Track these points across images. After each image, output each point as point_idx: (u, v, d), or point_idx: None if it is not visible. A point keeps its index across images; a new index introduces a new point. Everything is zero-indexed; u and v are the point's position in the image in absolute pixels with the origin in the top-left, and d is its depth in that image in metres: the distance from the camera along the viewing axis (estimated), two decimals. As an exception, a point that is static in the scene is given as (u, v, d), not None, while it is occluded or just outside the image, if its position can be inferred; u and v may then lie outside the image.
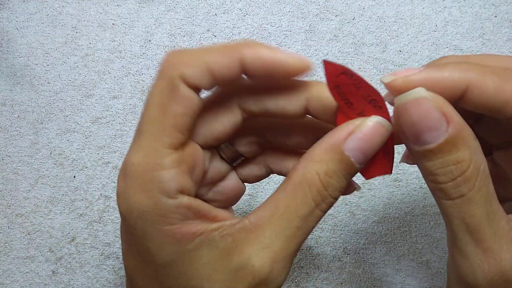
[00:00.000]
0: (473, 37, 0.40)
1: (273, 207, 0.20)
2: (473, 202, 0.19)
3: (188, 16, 0.40)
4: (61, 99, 0.39)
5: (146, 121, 0.20)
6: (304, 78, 0.21)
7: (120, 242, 0.38)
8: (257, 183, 0.38)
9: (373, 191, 0.38)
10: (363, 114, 0.20)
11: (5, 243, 0.37)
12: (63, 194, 0.38)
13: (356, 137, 0.20)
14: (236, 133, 0.24)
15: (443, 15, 0.41)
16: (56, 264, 0.37)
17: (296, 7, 0.41)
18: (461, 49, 0.40)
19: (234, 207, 0.38)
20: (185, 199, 0.20)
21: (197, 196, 0.23)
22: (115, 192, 0.38)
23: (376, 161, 0.21)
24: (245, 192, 0.38)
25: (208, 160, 0.23)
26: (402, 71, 0.20)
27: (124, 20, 0.40)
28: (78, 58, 0.39)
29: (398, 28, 0.40)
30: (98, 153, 0.38)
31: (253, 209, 0.31)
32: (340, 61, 0.40)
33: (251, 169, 0.26)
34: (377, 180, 0.38)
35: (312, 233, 0.38)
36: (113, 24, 0.40)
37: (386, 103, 0.21)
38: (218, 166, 0.24)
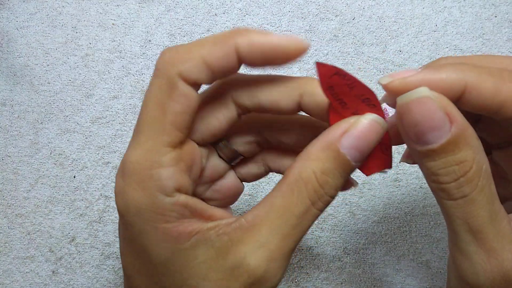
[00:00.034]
0: (473, 37, 0.40)
1: (269, 206, 0.20)
2: (475, 203, 0.19)
3: (188, 16, 0.40)
4: (61, 99, 0.39)
5: (144, 120, 0.20)
6: (299, 75, 0.21)
7: (120, 242, 0.38)
8: (257, 183, 0.38)
9: (373, 191, 0.38)
10: (357, 113, 0.20)
11: (5, 243, 0.37)
12: (63, 194, 0.38)
13: (352, 134, 0.20)
14: (234, 132, 0.24)
15: (443, 15, 0.41)
16: (56, 264, 0.37)
17: (296, 7, 0.41)
18: (461, 49, 0.40)
19: (234, 207, 0.38)
20: (182, 197, 0.20)
21: (195, 195, 0.23)
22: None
23: (375, 157, 0.21)
24: (245, 192, 0.38)
25: (205, 157, 0.23)
26: (399, 72, 0.20)
27: (124, 20, 0.40)
28: (78, 58, 0.39)
29: (398, 28, 0.40)
30: (98, 153, 0.38)
31: (253, 209, 0.31)
32: (340, 61, 0.40)
33: (249, 168, 0.26)
34: (377, 180, 0.38)
35: (312, 233, 0.38)
36: (113, 24, 0.40)
37: (385, 104, 0.21)
38: (216, 164, 0.24)
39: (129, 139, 0.39)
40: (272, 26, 0.40)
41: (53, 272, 0.37)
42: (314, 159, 0.20)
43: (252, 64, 0.20)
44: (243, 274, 0.19)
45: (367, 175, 0.22)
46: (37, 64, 0.39)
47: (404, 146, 0.21)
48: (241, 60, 0.19)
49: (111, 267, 0.37)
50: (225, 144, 0.24)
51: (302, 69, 0.40)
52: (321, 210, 0.20)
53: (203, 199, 0.24)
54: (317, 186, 0.20)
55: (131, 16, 0.40)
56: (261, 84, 0.21)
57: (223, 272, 0.20)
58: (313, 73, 0.39)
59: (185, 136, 0.20)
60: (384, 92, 0.21)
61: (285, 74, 0.22)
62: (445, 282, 0.38)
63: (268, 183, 0.38)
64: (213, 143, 0.24)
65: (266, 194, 0.38)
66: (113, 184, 0.38)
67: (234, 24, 0.40)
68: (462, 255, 0.20)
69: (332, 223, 0.38)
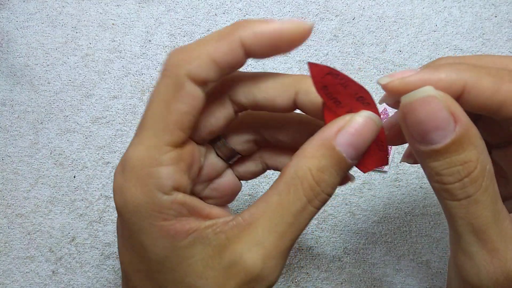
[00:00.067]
0: (473, 37, 0.40)
1: (265, 204, 0.20)
2: (479, 203, 0.19)
3: (188, 16, 0.40)
4: (61, 99, 0.39)
5: (149, 117, 0.20)
6: (294, 73, 0.21)
7: (120, 242, 0.38)
8: (256, 183, 0.38)
9: (373, 191, 0.38)
10: (352, 111, 0.21)
11: (5, 243, 0.37)
12: (63, 194, 0.38)
13: (347, 132, 0.20)
14: (231, 131, 0.24)
15: (443, 15, 0.41)
16: (56, 264, 0.37)
17: (296, 7, 0.41)
18: (461, 49, 0.40)
19: (234, 207, 0.38)
20: (180, 196, 0.20)
21: (193, 193, 0.23)
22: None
23: (371, 155, 0.21)
24: (245, 192, 0.38)
25: (203, 156, 0.23)
26: (398, 72, 0.20)
27: (124, 20, 0.40)
28: (78, 58, 0.39)
29: (398, 28, 0.40)
30: (98, 153, 0.38)
31: (253, 209, 0.31)
32: (340, 61, 0.40)
33: (247, 166, 0.26)
34: (377, 180, 0.38)
35: (312, 233, 0.38)
36: (113, 24, 0.40)
37: (385, 104, 0.21)
38: (214, 163, 0.24)
39: (129, 139, 0.39)
40: (272, 26, 0.40)
41: (53, 272, 0.37)
42: (310, 157, 0.20)
43: (259, 55, 0.19)
44: (239, 272, 0.19)
45: (364, 172, 0.22)
46: (37, 64, 0.39)
47: (404, 146, 0.21)
48: (248, 52, 0.19)
49: (111, 267, 0.37)
50: (223, 142, 0.24)
51: (302, 69, 0.40)
52: (318, 208, 0.20)
53: (201, 198, 0.24)
54: (313, 183, 0.20)
55: (131, 16, 0.40)
56: (257, 82, 0.21)
57: (219, 270, 0.20)
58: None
59: (187, 137, 0.20)
60: (384, 92, 0.21)
61: (281, 72, 0.22)
62: (445, 282, 0.38)
63: (268, 183, 0.38)
64: (211, 142, 0.24)
65: (266, 194, 0.38)
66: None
67: (234, 24, 0.40)
68: (464, 255, 0.20)
69: (332, 223, 0.38)
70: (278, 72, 0.22)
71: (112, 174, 0.38)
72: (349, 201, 0.38)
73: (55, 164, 0.38)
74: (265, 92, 0.21)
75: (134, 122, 0.39)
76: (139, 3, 0.40)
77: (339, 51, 0.40)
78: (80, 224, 0.38)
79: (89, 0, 0.40)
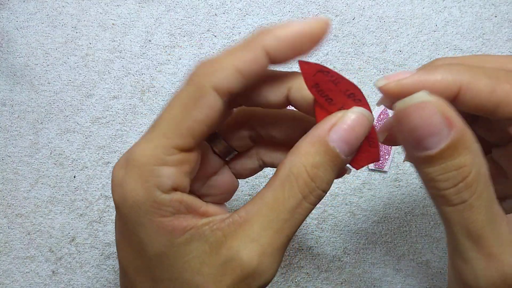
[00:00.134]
0: (473, 37, 0.40)
1: (261, 201, 0.20)
2: (475, 208, 0.18)
3: (188, 16, 0.40)
4: (61, 99, 0.39)
5: (165, 118, 0.20)
6: (287, 69, 0.21)
7: (120, 242, 0.38)
8: (256, 183, 0.38)
9: (373, 191, 0.38)
10: (343, 108, 0.21)
11: (5, 243, 0.37)
12: (63, 194, 0.38)
13: (340, 128, 0.20)
14: (227, 128, 0.24)
15: (443, 15, 0.41)
16: (56, 264, 0.37)
17: (296, 7, 0.41)
18: (461, 49, 0.40)
19: (234, 207, 0.38)
20: (178, 195, 0.20)
21: (191, 191, 0.23)
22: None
23: (363, 151, 0.22)
24: (245, 192, 0.38)
25: (201, 153, 0.24)
26: (394, 74, 0.20)
27: (124, 20, 0.40)
28: (78, 58, 0.39)
29: (398, 28, 0.40)
30: (98, 153, 0.38)
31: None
32: (340, 61, 0.40)
33: (244, 163, 0.27)
34: (377, 180, 0.38)
35: (312, 233, 0.38)
36: (113, 24, 0.40)
37: (382, 106, 0.21)
38: (211, 160, 0.25)
39: (129, 139, 0.39)
40: (272, 26, 0.40)
41: (53, 272, 0.37)
42: (304, 153, 0.20)
43: (282, 59, 0.20)
44: (235, 268, 0.20)
45: (356, 169, 0.22)
46: (37, 64, 0.39)
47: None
48: (272, 58, 0.19)
49: (111, 267, 0.37)
50: (219, 139, 0.24)
51: (302, 69, 0.40)
52: (314, 204, 0.20)
53: (198, 196, 0.24)
54: (308, 180, 0.20)
55: (131, 16, 0.40)
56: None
57: (216, 267, 0.20)
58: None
59: (196, 144, 0.20)
60: (381, 95, 0.21)
61: (279, 70, 0.22)
62: (445, 282, 0.38)
63: (268, 183, 0.38)
64: (208, 139, 0.24)
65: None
66: (113, 184, 0.38)
67: (234, 24, 0.40)
68: (461, 260, 0.20)
69: (332, 223, 0.38)
70: (276, 69, 0.22)
71: (112, 174, 0.38)
72: (349, 201, 0.38)
73: (55, 164, 0.38)
74: (258, 90, 0.21)
75: (134, 122, 0.39)
76: (139, 3, 0.40)
77: (339, 51, 0.40)
78: (80, 224, 0.38)
79: (89, 0, 0.40)
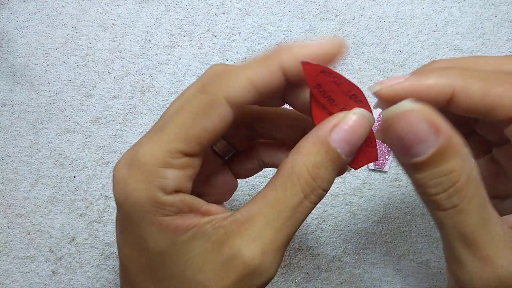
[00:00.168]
0: (473, 37, 0.40)
1: (263, 199, 0.20)
2: (466, 212, 0.19)
3: (188, 16, 0.40)
4: (61, 99, 0.39)
5: (174, 122, 0.20)
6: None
7: (120, 242, 0.38)
8: (256, 183, 0.38)
9: (373, 191, 0.38)
10: (345, 109, 0.21)
11: (5, 243, 0.37)
12: (63, 194, 0.38)
13: (341, 129, 0.20)
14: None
15: (443, 15, 0.41)
16: (56, 264, 0.37)
17: (296, 7, 0.41)
18: (461, 49, 0.40)
19: (234, 207, 0.38)
20: (180, 195, 0.21)
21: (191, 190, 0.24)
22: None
23: (362, 152, 0.22)
24: (245, 192, 0.38)
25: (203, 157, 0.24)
26: (388, 79, 0.20)
27: (124, 20, 0.40)
28: (78, 58, 0.39)
29: (398, 28, 0.40)
30: (98, 153, 0.38)
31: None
32: (340, 61, 0.40)
33: (243, 163, 0.27)
34: (377, 180, 0.38)
35: (312, 233, 0.38)
36: (113, 24, 0.40)
37: (379, 110, 0.21)
38: (210, 159, 0.25)
39: (129, 139, 0.39)
40: (272, 26, 0.40)
41: (53, 272, 0.37)
42: (306, 153, 0.20)
43: (297, 78, 0.20)
44: (238, 266, 0.20)
45: (355, 169, 0.22)
46: (37, 64, 0.39)
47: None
48: (288, 77, 0.20)
49: (111, 267, 0.37)
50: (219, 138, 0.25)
51: (302, 69, 0.40)
52: (315, 203, 0.21)
53: (197, 195, 0.24)
54: (309, 179, 0.20)
55: (131, 16, 0.40)
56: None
57: (218, 264, 0.20)
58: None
59: (202, 151, 0.21)
60: (376, 100, 0.21)
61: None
62: (445, 282, 0.38)
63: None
64: None
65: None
66: (113, 184, 0.38)
67: (234, 24, 0.40)
68: (457, 263, 0.20)
69: (332, 223, 0.38)
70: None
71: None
72: (349, 201, 0.38)
73: (55, 164, 0.38)
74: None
75: (134, 122, 0.39)
76: (139, 3, 0.40)
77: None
78: (80, 224, 0.38)
79: (89, 0, 0.40)
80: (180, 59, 0.40)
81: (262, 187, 0.38)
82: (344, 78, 0.20)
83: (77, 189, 0.38)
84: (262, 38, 0.40)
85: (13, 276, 0.37)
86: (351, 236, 0.38)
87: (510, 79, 0.19)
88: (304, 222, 0.36)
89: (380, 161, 0.38)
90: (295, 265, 0.38)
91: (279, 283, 0.38)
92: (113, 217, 0.38)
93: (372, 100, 0.21)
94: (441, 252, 0.38)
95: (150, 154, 0.20)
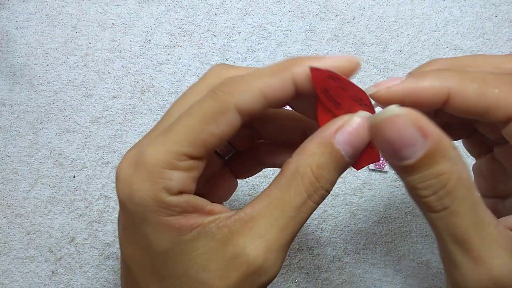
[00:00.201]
0: (474, 36, 0.40)
1: (267, 198, 0.21)
2: (457, 213, 0.19)
3: (188, 16, 0.40)
4: (61, 99, 0.39)
5: (182, 125, 0.20)
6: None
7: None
8: (256, 183, 0.38)
9: (373, 191, 0.38)
10: (350, 112, 0.21)
11: (5, 243, 0.37)
12: (62, 194, 0.38)
13: (346, 131, 0.20)
14: None
15: (443, 14, 0.41)
16: (56, 264, 0.37)
17: (296, 7, 0.40)
18: (462, 49, 0.40)
19: (234, 207, 0.38)
20: (184, 196, 0.21)
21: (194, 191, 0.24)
22: (115, 191, 0.38)
23: (364, 152, 0.22)
24: (245, 192, 0.38)
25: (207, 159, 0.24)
26: (384, 81, 0.20)
27: (124, 20, 0.40)
28: (77, 58, 0.39)
29: (398, 28, 0.40)
30: (98, 153, 0.38)
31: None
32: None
33: (244, 164, 0.27)
34: (378, 180, 0.38)
35: (312, 233, 0.38)
36: (113, 23, 0.40)
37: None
38: (211, 160, 0.25)
39: (129, 139, 0.39)
40: (272, 26, 0.40)
41: (53, 272, 0.37)
42: (310, 154, 0.20)
43: (308, 91, 0.20)
44: (242, 264, 0.20)
45: (357, 169, 0.23)
46: (36, 64, 0.39)
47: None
48: (298, 89, 0.20)
49: (111, 267, 0.37)
50: None
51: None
52: (317, 203, 0.21)
53: (198, 195, 0.24)
54: (313, 179, 0.20)
55: (131, 15, 0.40)
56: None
57: (222, 263, 0.20)
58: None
59: (207, 154, 0.21)
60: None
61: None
62: (445, 282, 0.38)
63: (268, 183, 0.38)
64: None
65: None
66: (113, 184, 0.38)
67: (234, 24, 0.40)
68: (452, 265, 0.20)
69: (333, 223, 0.38)
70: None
71: (112, 174, 0.38)
72: (350, 201, 0.38)
73: (54, 164, 0.38)
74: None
75: (134, 122, 0.39)
76: (139, 3, 0.40)
77: (339, 51, 0.40)
78: (79, 224, 0.37)
79: (89, 0, 0.40)
80: (180, 59, 0.40)
81: (262, 187, 0.38)
82: (351, 83, 0.20)
83: (76, 189, 0.38)
84: (262, 38, 0.40)
85: (13, 276, 0.37)
86: (351, 236, 0.38)
87: (507, 79, 0.19)
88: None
89: (381, 162, 0.38)
90: (295, 265, 0.38)
91: (279, 283, 0.37)
92: (113, 217, 0.38)
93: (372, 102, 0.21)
94: (441, 252, 0.38)
95: (156, 155, 0.20)
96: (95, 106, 0.39)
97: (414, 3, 0.41)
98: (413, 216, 0.38)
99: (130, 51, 0.40)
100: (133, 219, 0.21)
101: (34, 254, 0.37)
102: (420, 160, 0.18)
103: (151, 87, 0.39)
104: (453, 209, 0.19)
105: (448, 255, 0.20)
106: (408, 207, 0.38)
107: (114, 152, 0.38)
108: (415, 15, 0.41)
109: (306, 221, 0.21)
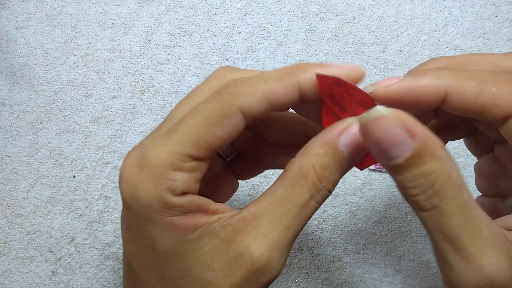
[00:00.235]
0: (474, 36, 0.40)
1: (271, 197, 0.21)
2: (446, 212, 0.19)
3: (188, 16, 0.40)
4: (61, 99, 0.39)
5: (187, 126, 0.20)
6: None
7: (119, 242, 0.37)
8: (257, 183, 0.38)
9: (373, 191, 0.38)
10: (355, 115, 0.22)
11: (5, 243, 0.37)
12: (62, 194, 0.38)
13: (350, 133, 0.21)
14: None
15: (443, 14, 0.40)
16: (56, 264, 0.37)
17: (296, 7, 0.40)
18: (462, 49, 0.40)
19: (234, 208, 0.38)
20: (188, 197, 0.21)
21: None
22: (115, 191, 0.38)
23: (368, 153, 0.22)
24: (245, 193, 0.38)
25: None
26: (383, 80, 0.21)
27: (124, 20, 0.40)
28: (77, 58, 0.39)
29: (398, 28, 0.40)
30: (98, 153, 0.38)
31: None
32: (340, 60, 0.40)
33: (245, 165, 0.27)
34: (378, 180, 0.38)
35: (312, 233, 0.38)
36: (112, 23, 0.40)
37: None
38: (213, 161, 0.25)
39: (129, 139, 0.39)
40: (272, 26, 0.40)
41: (53, 272, 0.37)
42: (314, 154, 0.21)
43: (313, 98, 0.21)
44: (246, 262, 0.20)
45: (361, 169, 0.23)
46: (36, 64, 0.39)
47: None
48: (303, 95, 0.20)
49: (111, 267, 0.37)
50: None
51: (302, 69, 0.40)
52: (320, 203, 0.21)
53: (200, 195, 0.25)
54: (315, 179, 0.21)
55: (130, 15, 0.40)
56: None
57: (226, 262, 0.20)
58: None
59: (210, 156, 0.21)
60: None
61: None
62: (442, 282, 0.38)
63: (268, 183, 0.38)
64: None
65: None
66: (113, 184, 0.38)
67: (234, 23, 0.40)
68: (445, 264, 0.20)
69: (333, 223, 0.38)
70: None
71: (112, 174, 0.38)
72: (350, 201, 0.38)
73: (54, 164, 0.38)
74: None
75: (133, 122, 0.39)
76: (139, 3, 0.40)
77: (339, 51, 0.40)
78: (79, 224, 0.37)
79: (89, -1, 0.40)
80: (180, 58, 0.40)
81: (262, 187, 0.38)
82: (357, 88, 0.21)
83: (76, 189, 0.38)
84: (262, 37, 0.40)
85: (13, 277, 0.37)
86: (351, 236, 0.38)
87: (505, 77, 0.19)
88: (304, 222, 0.36)
89: (381, 161, 0.38)
90: (296, 266, 0.38)
91: (279, 284, 0.37)
92: (113, 217, 0.38)
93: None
94: (441, 252, 0.38)
95: (160, 156, 0.20)
96: (95, 106, 0.39)
97: (414, 3, 0.41)
98: (413, 216, 0.38)
99: (130, 51, 0.40)
100: (136, 219, 0.21)
101: (34, 254, 0.37)
102: (408, 160, 0.19)
103: (151, 87, 0.39)
104: (442, 208, 0.19)
105: (440, 254, 0.20)
106: (408, 207, 0.38)
107: (114, 152, 0.38)
108: (415, 15, 0.41)
109: (308, 220, 0.21)
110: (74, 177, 0.38)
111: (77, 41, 0.40)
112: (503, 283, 0.19)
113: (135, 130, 0.39)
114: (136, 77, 0.39)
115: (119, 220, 0.38)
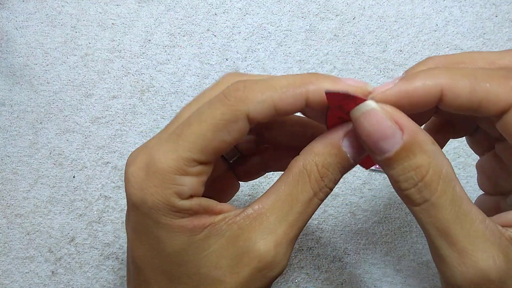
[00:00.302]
0: (474, 36, 0.40)
1: (276, 195, 0.21)
2: (438, 206, 0.19)
3: (188, 16, 0.40)
4: (61, 99, 0.39)
5: (193, 130, 0.21)
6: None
7: (119, 242, 0.37)
8: (257, 183, 0.38)
9: (373, 191, 0.38)
10: None
11: (5, 243, 0.37)
12: (62, 194, 0.38)
13: (353, 135, 0.21)
14: None
15: (443, 14, 0.40)
16: (56, 264, 0.37)
17: (296, 7, 0.40)
18: (462, 49, 0.40)
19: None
20: (195, 200, 0.21)
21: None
22: (115, 192, 0.38)
23: None
24: (245, 193, 0.38)
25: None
26: (379, 87, 0.21)
27: (124, 20, 0.40)
28: (77, 58, 0.39)
29: (398, 28, 0.40)
30: (98, 153, 0.38)
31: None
32: (340, 61, 0.40)
33: (248, 167, 0.28)
34: (378, 180, 0.38)
35: (312, 233, 0.38)
36: (112, 23, 0.40)
37: None
38: (216, 163, 0.25)
39: (129, 139, 0.39)
40: (272, 26, 0.40)
41: (53, 272, 0.37)
42: (317, 153, 0.21)
43: (317, 109, 0.21)
44: (253, 259, 0.21)
45: (366, 168, 0.24)
46: (36, 64, 0.39)
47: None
48: (308, 105, 0.21)
49: (111, 267, 0.37)
50: None
51: (302, 69, 0.40)
52: (321, 200, 0.22)
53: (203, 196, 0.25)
54: (318, 177, 0.21)
55: (130, 15, 0.40)
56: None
57: (233, 259, 0.21)
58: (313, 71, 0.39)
59: (216, 159, 0.22)
60: None
61: (281, 72, 0.23)
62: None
63: (268, 183, 0.38)
64: None
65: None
66: (113, 184, 0.38)
67: (234, 23, 0.40)
68: (439, 258, 0.20)
69: (333, 224, 0.38)
70: (278, 71, 0.23)
71: (112, 174, 0.38)
72: (350, 201, 0.38)
73: (54, 164, 0.38)
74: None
75: (133, 122, 0.39)
76: (139, 3, 0.40)
77: (340, 51, 0.40)
78: (79, 224, 0.37)
79: (89, -1, 0.40)
80: (180, 58, 0.40)
81: (262, 187, 0.38)
82: (364, 100, 0.21)
83: (76, 189, 0.38)
84: (262, 37, 0.40)
85: (13, 277, 0.37)
86: (351, 236, 0.38)
87: (498, 73, 0.20)
88: (304, 222, 0.36)
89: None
90: (296, 266, 0.37)
91: (279, 284, 0.37)
92: (113, 217, 0.38)
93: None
94: (441, 252, 0.38)
95: (167, 161, 0.21)
96: (95, 106, 0.39)
97: (415, 3, 0.41)
98: (413, 216, 0.38)
99: (130, 51, 0.39)
100: (145, 221, 0.21)
101: (34, 254, 0.37)
102: (398, 153, 0.19)
103: (151, 87, 0.39)
104: (433, 202, 0.19)
105: (435, 249, 0.20)
106: (408, 207, 0.38)
107: (114, 152, 0.38)
108: (415, 15, 0.40)
109: (311, 217, 0.22)
110: (74, 177, 0.38)
111: (77, 41, 0.39)
112: (498, 278, 0.19)
113: (135, 130, 0.39)
114: (136, 77, 0.39)
115: (119, 220, 0.38)
